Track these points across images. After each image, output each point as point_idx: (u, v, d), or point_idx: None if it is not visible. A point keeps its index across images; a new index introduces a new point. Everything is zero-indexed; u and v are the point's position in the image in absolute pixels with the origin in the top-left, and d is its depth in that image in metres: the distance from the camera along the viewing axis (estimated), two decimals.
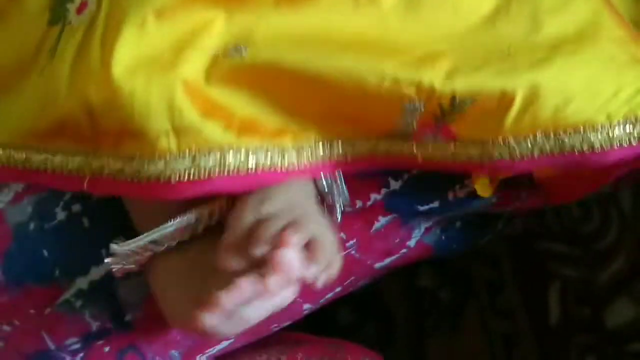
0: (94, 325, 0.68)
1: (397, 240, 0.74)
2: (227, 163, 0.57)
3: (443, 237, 0.78)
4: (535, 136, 0.56)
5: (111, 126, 0.58)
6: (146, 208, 0.63)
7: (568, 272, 0.92)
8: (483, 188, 0.69)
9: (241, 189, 0.59)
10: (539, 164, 0.57)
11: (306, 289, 0.69)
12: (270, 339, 0.77)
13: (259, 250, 0.56)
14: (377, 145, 0.61)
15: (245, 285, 0.55)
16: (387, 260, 0.75)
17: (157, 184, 0.57)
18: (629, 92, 0.57)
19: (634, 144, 0.56)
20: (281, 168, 0.59)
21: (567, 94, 0.56)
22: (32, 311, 0.67)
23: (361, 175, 0.68)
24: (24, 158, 0.62)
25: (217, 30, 0.59)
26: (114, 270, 0.63)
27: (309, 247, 0.57)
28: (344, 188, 0.66)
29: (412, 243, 0.75)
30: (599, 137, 0.56)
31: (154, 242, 0.61)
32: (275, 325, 0.75)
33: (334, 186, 0.65)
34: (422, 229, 0.75)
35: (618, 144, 0.56)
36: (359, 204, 0.70)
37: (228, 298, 0.55)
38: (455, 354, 1.00)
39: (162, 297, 0.64)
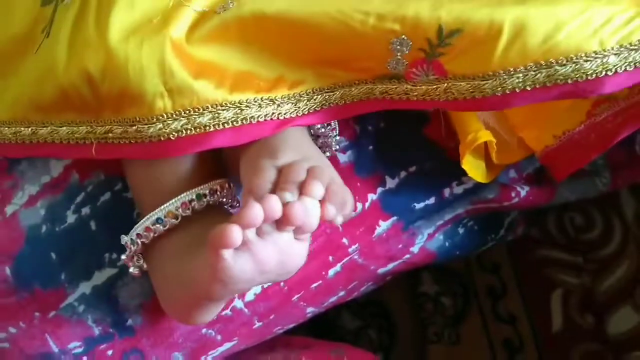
0: (97, 330, 0.69)
1: (400, 246, 0.74)
2: (222, 118, 0.59)
3: (446, 244, 0.78)
4: (526, 67, 0.56)
5: (111, 92, 0.60)
6: (152, 193, 0.63)
7: (570, 279, 0.92)
8: (475, 170, 0.69)
9: (240, 141, 0.60)
10: (532, 97, 0.57)
11: (309, 292, 0.72)
12: (273, 342, 0.78)
13: (289, 196, 0.55)
14: (373, 89, 0.61)
15: (256, 206, 0.53)
16: (391, 266, 0.75)
17: (159, 144, 0.60)
18: (621, 20, 0.56)
19: (629, 69, 0.55)
20: (278, 117, 0.60)
21: (557, 22, 0.56)
22: (37, 314, 0.68)
23: (359, 175, 0.70)
24: (30, 132, 0.64)
25: None
26: (125, 259, 0.64)
27: (326, 190, 0.57)
28: (337, 126, 0.68)
29: (415, 249, 0.75)
30: (593, 65, 0.55)
31: (159, 220, 0.61)
32: (279, 327, 0.76)
33: (329, 127, 0.67)
34: (425, 236, 0.75)
35: (613, 72, 0.55)
36: (359, 207, 0.70)
37: (249, 213, 0.53)
38: (457, 359, 1.00)
39: (164, 278, 0.63)
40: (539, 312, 0.95)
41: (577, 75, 0.55)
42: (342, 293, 0.76)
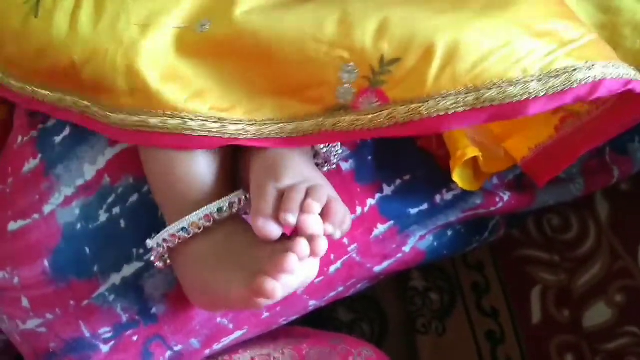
0: (124, 317, 0.72)
1: (393, 246, 0.78)
2: (168, 124, 0.65)
3: (435, 244, 0.82)
4: (458, 91, 0.59)
5: (89, 79, 0.67)
6: (176, 203, 0.67)
7: (548, 276, 0.94)
8: (464, 181, 0.73)
9: (183, 148, 0.65)
10: (465, 118, 0.59)
11: (312, 287, 0.75)
12: (278, 331, 0.82)
13: (291, 218, 0.60)
14: (324, 122, 0.63)
15: (304, 244, 0.59)
16: (385, 264, 0.79)
17: (117, 130, 0.67)
18: (542, 52, 0.59)
19: (549, 94, 0.58)
20: (223, 135, 0.64)
21: (484, 51, 0.59)
22: (72, 302, 0.71)
23: (359, 182, 0.73)
24: (30, 91, 0.72)
25: (185, 5, 0.68)
26: (152, 259, 0.68)
27: (324, 210, 0.61)
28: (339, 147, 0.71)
29: (407, 249, 0.79)
30: (517, 89, 0.58)
31: (183, 229, 0.66)
32: (284, 318, 0.80)
33: (330, 144, 0.71)
34: (417, 237, 0.79)
35: (534, 95, 0.58)
36: (359, 210, 0.74)
37: (291, 258, 0.58)
38: (443, 350, 1.02)
39: (195, 279, 0.67)
40: (519, 306, 0.97)
41: (502, 98, 0.58)
42: (341, 289, 0.80)
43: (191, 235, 0.66)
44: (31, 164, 0.75)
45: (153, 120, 0.65)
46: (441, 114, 0.59)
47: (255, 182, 0.65)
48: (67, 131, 0.75)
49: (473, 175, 0.74)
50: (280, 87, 0.65)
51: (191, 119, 0.64)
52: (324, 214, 0.61)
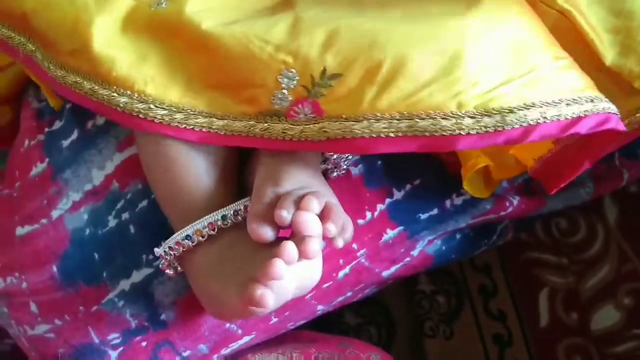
0: (133, 323, 0.72)
1: (402, 250, 0.78)
2: (98, 93, 0.65)
3: (444, 248, 0.82)
4: (391, 115, 0.58)
5: (37, 29, 0.69)
6: (179, 211, 0.67)
7: (556, 279, 0.94)
8: (475, 189, 0.72)
9: (108, 117, 0.66)
10: (396, 144, 0.58)
11: (320, 292, 0.76)
12: (285, 336, 0.82)
13: (285, 214, 0.59)
14: (254, 126, 0.63)
15: (290, 247, 0.58)
16: (393, 269, 0.79)
17: (55, 82, 0.67)
18: (485, 87, 0.58)
19: (481, 132, 0.57)
20: (146, 118, 0.64)
21: (426, 77, 0.58)
22: (81, 308, 0.71)
23: (369, 187, 0.73)
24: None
25: None
26: (162, 267, 0.68)
27: (324, 212, 0.60)
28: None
29: (415, 252, 0.79)
30: (449, 123, 0.57)
31: (187, 237, 0.65)
32: (292, 323, 0.80)
33: (342, 154, 0.70)
34: (426, 241, 0.79)
35: (466, 132, 0.57)
36: (368, 215, 0.74)
37: (277, 264, 0.57)
38: (451, 354, 1.02)
39: (203, 288, 0.67)
40: (527, 309, 0.97)
41: (434, 130, 0.57)
42: (349, 294, 0.80)
43: (195, 243, 0.65)
44: (38, 168, 0.75)
45: (86, 85, 0.65)
46: (373, 135, 0.59)
47: (256, 186, 0.65)
48: (74, 135, 0.75)
49: (484, 182, 0.74)
50: (218, 80, 0.64)
51: (120, 94, 0.64)
52: (324, 215, 0.60)
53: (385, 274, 0.79)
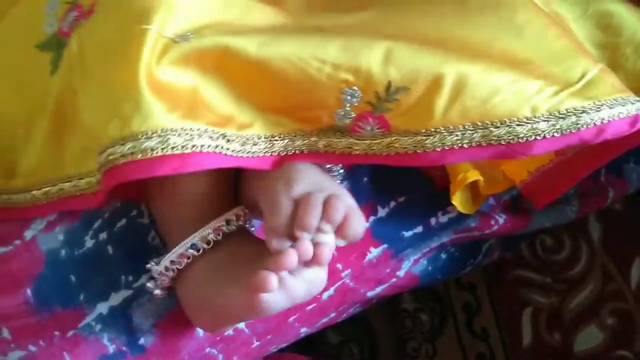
0: (111, 348, 0.70)
1: (387, 271, 0.77)
2: (171, 143, 0.57)
3: (429, 268, 0.81)
4: (465, 127, 0.59)
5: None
6: (178, 225, 0.66)
7: (540, 298, 0.94)
8: (463, 204, 0.72)
9: (186, 169, 0.59)
10: (468, 154, 0.59)
11: (305, 314, 0.75)
12: (267, 359, 0.80)
13: (307, 237, 0.59)
14: (316, 142, 0.62)
15: (308, 245, 0.58)
16: (378, 289, 0.78)
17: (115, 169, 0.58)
18: (550, 91, 0.59)
19: (556, 135, 0.58)
20: (226, 153, 0.60)
21: (494, 86, 0.59)
22: (56, 333, 0.69)
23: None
24: None
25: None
26: (155, 285, 0.66)
27: (344, 220, 0.60)
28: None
29: (401, 273, 0.78)
30: (525, 129, 0.58)
31: (193, 246, 0.64)
32: (274, 347, 0.78)
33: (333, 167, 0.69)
34: (411, 261, 0.78)
35: (542, 136, 0.58)
36: None
37: (292, 252, 0.57)
38: None
39: (193, 298, 0.66)
40: (510, 328, 0.97)
41: (509, 138, 0.58)
42: (333, 315, 0.79)
43: (200, 251, 0.64)
44: None
45: (151, 143, 0.57)
46: (446, 148, 0.59)
47: (266, 194, 0.63)
48: None
49: (472, 197, 0.74)
50: (273, 104, 0.63)
51: (198, 135, 0.59)
52: (340, 229, 0.60)
53: (370, 294, 0.79)
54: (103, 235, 0.70)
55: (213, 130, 0.60)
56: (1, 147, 0.70)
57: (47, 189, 0.67)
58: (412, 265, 0.79)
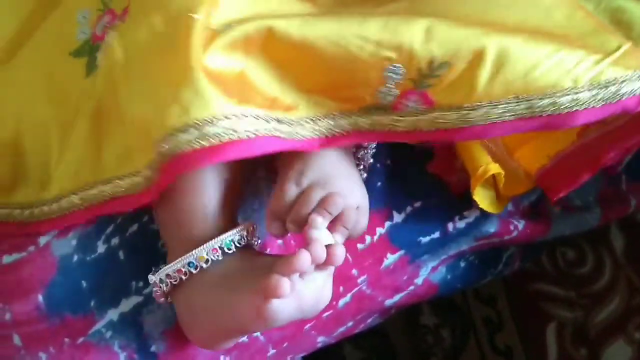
0: (122, 355, 0.69)
1: (405, 277, 0.76)
2: (235, 129, 0.57)
3: (448, 277, 0.80)
4: (508, 99, 0.59)
5: None
6: (179, 237, 0.65)
7: (564, 313, 0.93)
8: (486, 202, 0.71)
9: (252, 153, 0.58)
10: (513, 127, 0.59)
11: (320, 321, 0.73)
12: None
13: (296, 229, 0.60)
14: (359, 120, 0.62)
15: (320, 247, 0.58)
16: (397, 297, 0.77)
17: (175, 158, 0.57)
18: (590, 62, 0.59)
19: (597, 106, 0.58)
20: (279, 136, 0.60)
21: (535, 58, 0.59)
22: (67, 340, 0.69)
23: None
24: None
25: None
26: (155, 294, 0.65)
27: (339, 216, 0.61)
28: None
29: (419, 281, 0.78)
30: (567, 100, 0.58)
31: (190, 264, 0.63)
32: (290, 356, 0.77)
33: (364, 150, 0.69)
34: (429, 268, 0.77)
35: (584, 107, 0.58)
36: (368, 239, 0.73)
37: (305, 253, 0.57)
38: None
39: (192, 310, 0.64)
40: (534, 344, 0.95)
41: (552, 109, 0.58)
42: (350, 324, 0.78)
43: (197, 270, 0.63)
44: None
45: (217, 129, 0.57)
46: (490, 121, 0.59)
47: (280, 180, 0.64)
48: None
49: (496, 197, 0.73)
50: (315, 85, 0.63)
51: (256, 118, 0.59)
52: (336, 220, 0.61)
53: (388, 302, 0.77)
54: (115, 241, 0.70)
55: (265, 114, 0.60)
56: (38, 163, 0.70)
57: (85, 192, 0.66)
58: (430, 273, 0.78)
